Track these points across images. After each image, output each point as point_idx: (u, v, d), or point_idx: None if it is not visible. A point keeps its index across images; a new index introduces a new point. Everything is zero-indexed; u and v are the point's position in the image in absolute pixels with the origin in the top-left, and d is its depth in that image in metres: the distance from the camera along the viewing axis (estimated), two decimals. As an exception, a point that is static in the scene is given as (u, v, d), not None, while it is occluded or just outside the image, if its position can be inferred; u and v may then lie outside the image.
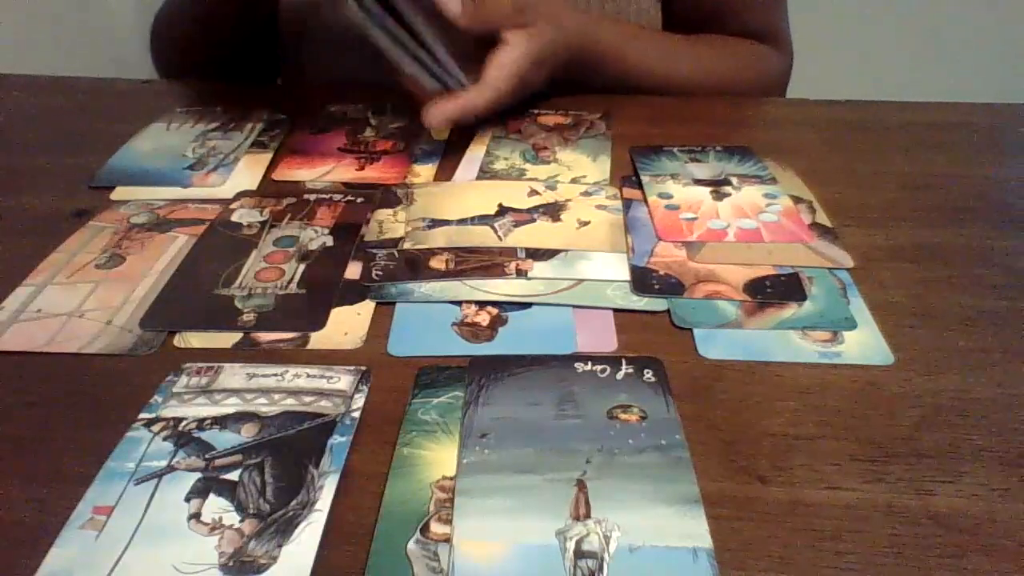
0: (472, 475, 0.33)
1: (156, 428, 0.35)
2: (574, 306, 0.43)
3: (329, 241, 0.49)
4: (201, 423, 0.36)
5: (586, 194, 0.54)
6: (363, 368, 0.39)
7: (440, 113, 0.57)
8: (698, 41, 0.74)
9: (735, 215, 0.51)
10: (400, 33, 0.56)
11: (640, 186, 0.55)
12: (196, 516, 0.31)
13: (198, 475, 0.33)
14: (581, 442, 0.34)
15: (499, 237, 0.49)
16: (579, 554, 0.29)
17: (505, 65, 0.59)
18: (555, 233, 0.49)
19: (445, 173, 0.58)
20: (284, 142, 0.62)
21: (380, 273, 0.46)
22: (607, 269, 0.46)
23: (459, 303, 0.44)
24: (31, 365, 0.40)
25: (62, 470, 0.34)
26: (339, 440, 0.35)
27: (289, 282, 0.45)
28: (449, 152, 0.60)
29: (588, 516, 0.31)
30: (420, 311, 0.43)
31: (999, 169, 0.59)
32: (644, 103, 0.69)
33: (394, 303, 0.44)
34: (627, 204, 0.53)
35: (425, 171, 0.58)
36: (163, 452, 0.34)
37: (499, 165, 0.58)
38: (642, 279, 0.45)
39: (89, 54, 1.19)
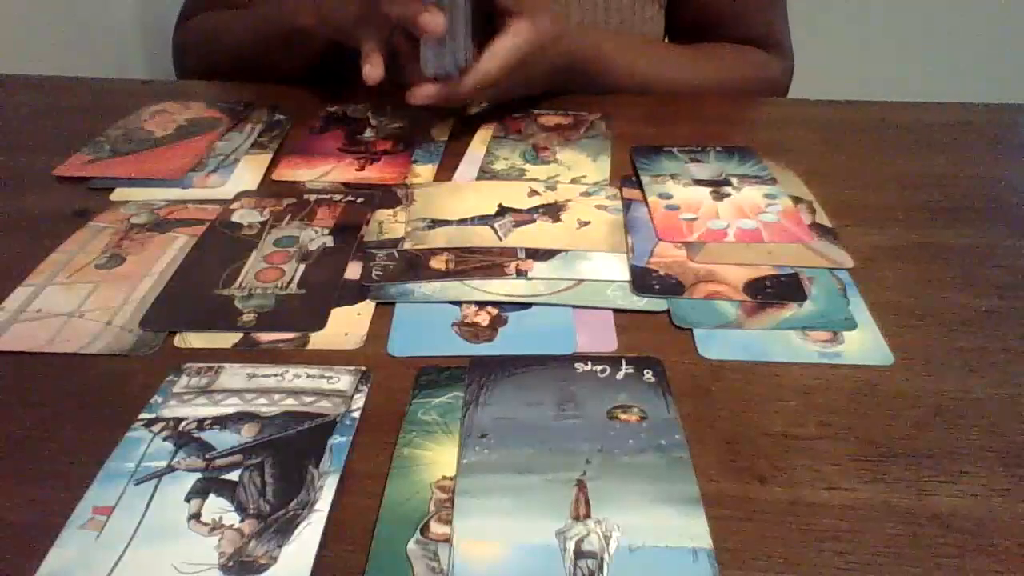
0: (472, 475, 0.33)
1: (156, 428, 0.35)
2: (574, 306, 0.43)
3: (329, 241, 0.49)
4: (201, 423, 0.36)
5: (586, 194, 0.54)
6: (363, 368, 0.39)
7: (422, 93, 0.58)
8: (698, 51, 0.74)
9: (735, 215, 0.51)
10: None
11: (640, 186, 0.55)
12: (196, 516, 0.31)
13: (198, 475, 0.33)
14: (581, 442, 0.34)
15: (499, 237, 0.49)
16: (579, 554, 0.29)
17: (498, 54, 0.58)
18: (555, 233, 0.49)
19: (445, 173, 0.58)
20: (284, 142, 0.62)
21: (380, 273, 0.46)
22: (607, 269, 0.46)
23: (459, 303, 0.44)
24: (31, 365, 0.40)
25: (62, 470, 0.34)
26: (339, 440, 0.35)
27: (289, 282, 0.45)
28: (449, 152, 0.60)
29: (588, 516, 0.31)
30: (420, 311, 0.43)
31: (999, 169, 0.59)
32: (644, 103, 0.69)
33: (394, 303, 0.44)
34: (627, 204, 0.53)
35: (425, 171, 0.58)
36: (163, 452, 0.34)
37: (499, 165, 0.58)
38: (642, 279, 0.45)
39: (89, 54, 1.19)
